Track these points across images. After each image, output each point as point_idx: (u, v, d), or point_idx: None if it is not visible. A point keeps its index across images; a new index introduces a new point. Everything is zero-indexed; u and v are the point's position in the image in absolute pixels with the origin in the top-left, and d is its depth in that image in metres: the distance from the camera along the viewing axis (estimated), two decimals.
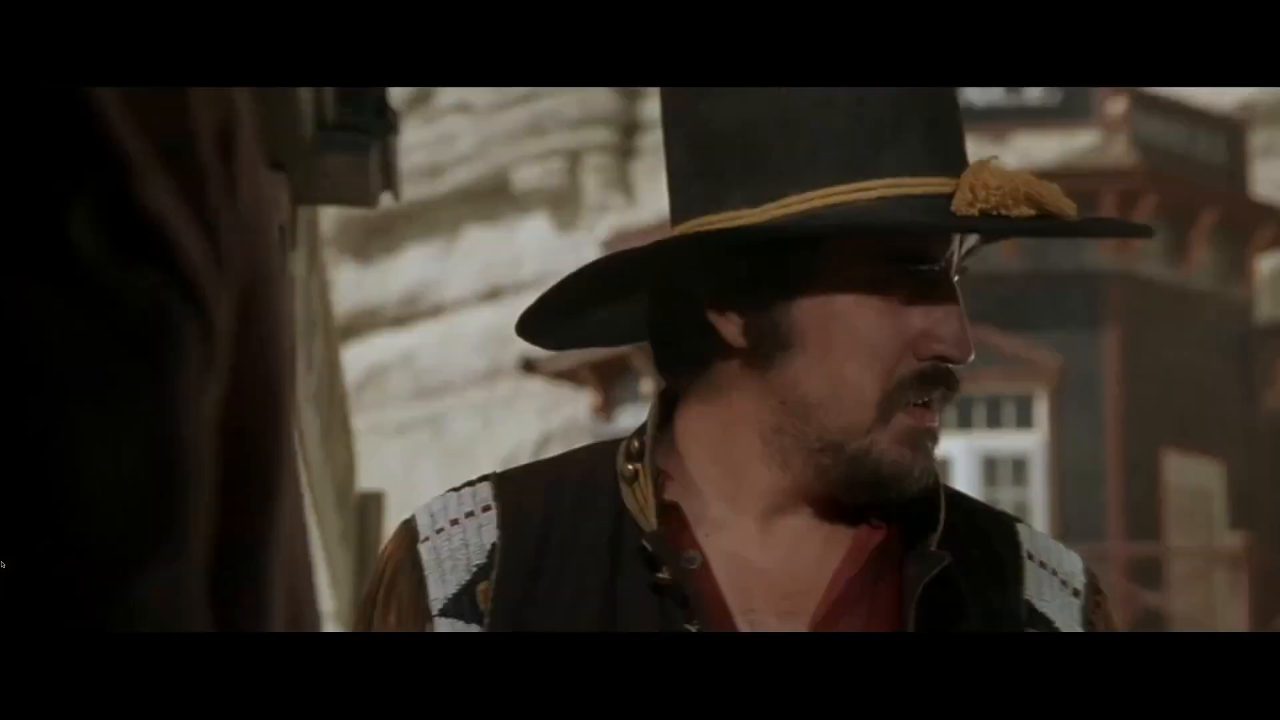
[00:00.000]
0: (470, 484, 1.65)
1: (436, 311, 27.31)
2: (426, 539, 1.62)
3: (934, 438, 1.59)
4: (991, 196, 1.54)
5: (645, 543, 1.57)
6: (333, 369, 5.82)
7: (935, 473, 1.65)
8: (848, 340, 1.56)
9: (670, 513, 1.61)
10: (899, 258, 1.57)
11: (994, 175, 1.55)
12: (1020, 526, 1.69)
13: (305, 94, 3.67)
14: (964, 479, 16.92)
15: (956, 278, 1.60)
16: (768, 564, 1.61)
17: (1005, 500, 16.77)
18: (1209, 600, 18.13)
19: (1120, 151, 18.64)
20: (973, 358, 1.58)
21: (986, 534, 1.66)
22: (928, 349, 1.56)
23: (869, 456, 1.57)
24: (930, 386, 1.57)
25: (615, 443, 1.66)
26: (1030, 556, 1.66)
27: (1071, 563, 1.68)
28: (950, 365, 1.57)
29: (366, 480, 7.54)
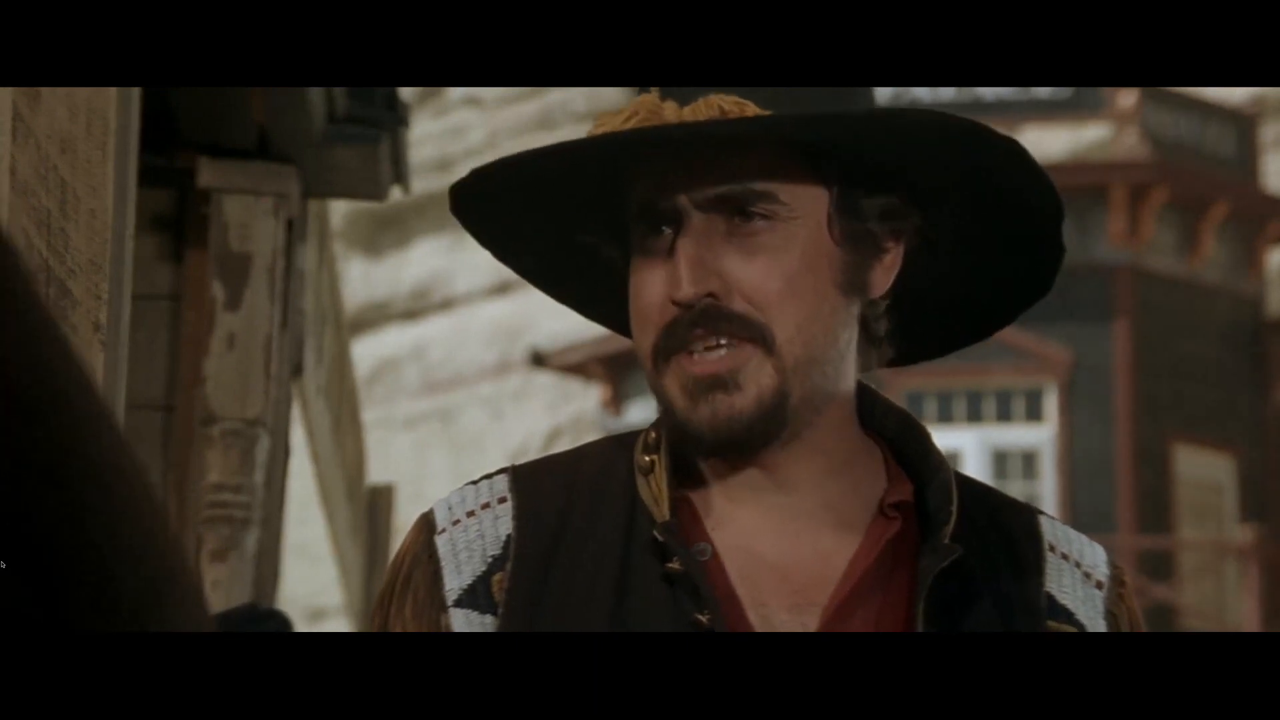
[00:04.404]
0: (488, 476, 1.66)
1: (446, 305, 27.32)
2: (443, 531, 1.63)
3: (711, 385, 1.57)
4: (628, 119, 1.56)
5: (656, 533, 1.58)
6: (342, 362, 5.83)
7: (948, 466, 1.65)
8: (631, 300, 1.61)
9: (683, 504, 1.61)
10: (641, 212, 1.59)
11: (635, 103, 1.57)
12: (1042, 519, 1.68)
13: (316, 89, 3.67)
14: (974, 472, 16.90)
15: (759, 221, 1.57)
16: (779, 556, 1.61)
17: (1015, 493, 16.62)
18: (1219, 593, 18.11)
19: (1131, 144, 18.62)
20: (691, 293, 1.55)
21: (1006, 526, 1.66)
22: (669, 293, 1.58)
23: (665, 405, 1.60)
24: (684, 331, 1.57)
25: (633, 434, 1.66)
26: (1052, 549, 1.66)
27: (1095, 555, 1.67)
28: (699, 307, 1.56)
29: (376, 473, 7.55)
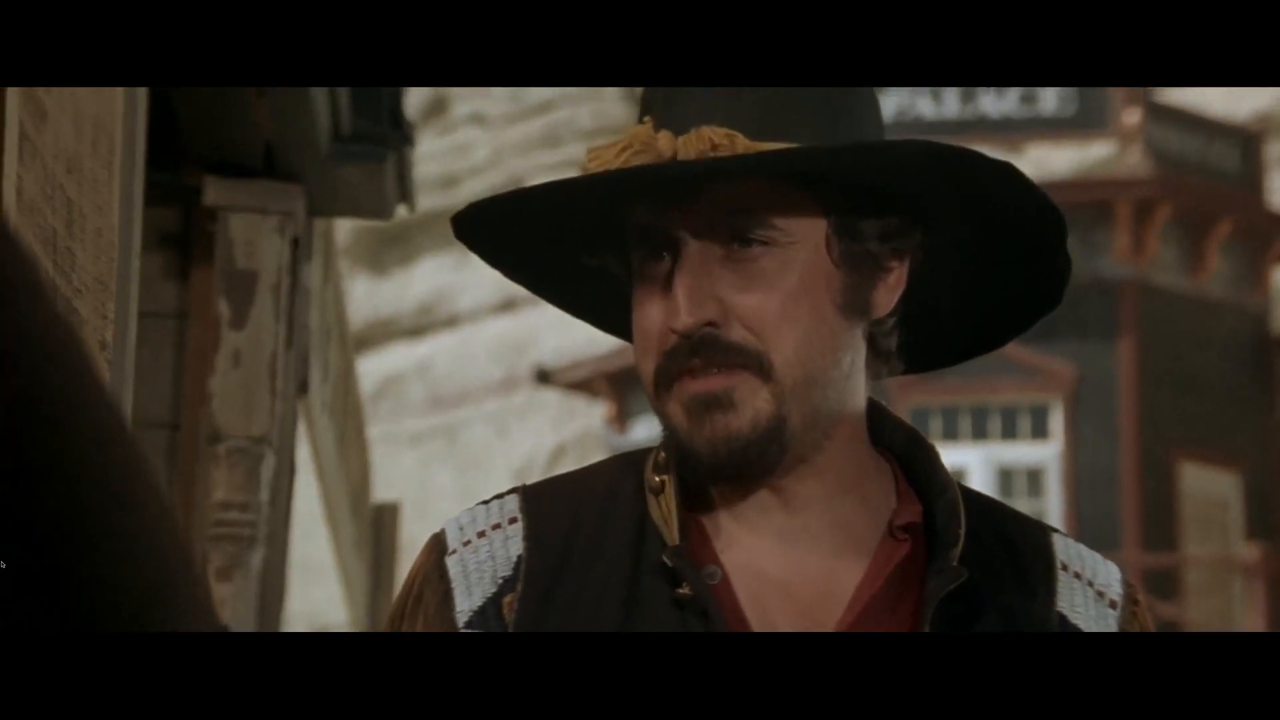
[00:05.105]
0: (499, 497, 1.66)
1: (451, 322, 27.34)
2: (454, 551, 1.63)
3: (707, 403, 1.57)
4: (612, 154, 1.57)
5: (666, 558, 1.57)
6: (348, 379, 5.83)
7: (955, 485, 1.65)
8: (634, 326, 1.62)
9: (692, 525, 1.61)
10: (638, 238, 1.59)
11: (629, 135, 1.57)
12: (1055, 536, 1.67)
13: (321, 106, 3.68)
14: (979, 489, 16.88)
15: (756, 248, 1.57)
16: (788, 578, 1.60)
17: (1020, 510, 16.74)
18: (1225, 610, 18.09)
19: (1135, 161, 18.62)
20: (690, 323, 1.56)
21: (1016, 544, 1.65)
22: (667, 322, 1.58)
23: (669, 428, 1.60)
24: (683, 360, 1.57)
25: (642, 453, 1.66)
26: (1064, 567, 1.65)
27: (1108, 573, 1.67)
28: (698, 336, 1.56)
29: (381, 489, 7.55)
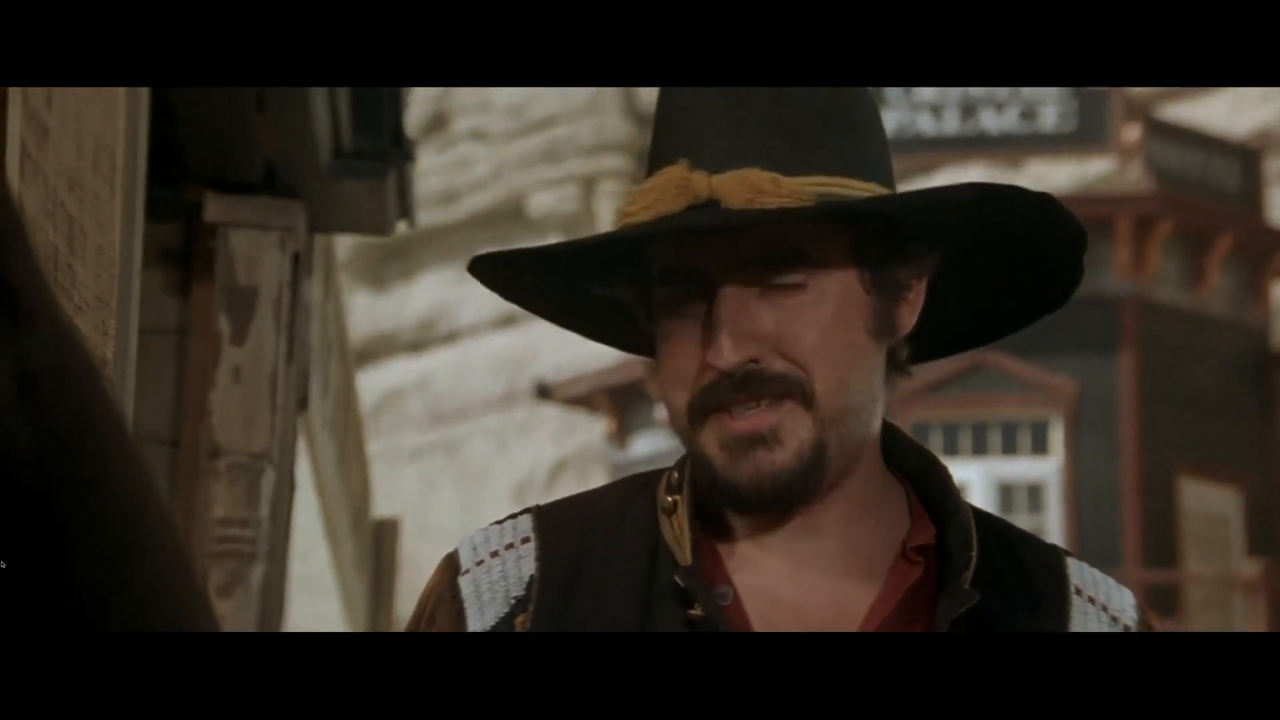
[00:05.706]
0: (512, 516, 1.66)
1: (452, 337, 27.36)
2: (467, 571, 1.63)
3: (751, 441, 1.56)
4: (654, 198, 1.56)
5: (678, 578, 1.58)
6: (348, 394, 5.84)
7: (968, 507, 1.65)
8: (661, 358, 1.61)
9: (705, 545, 1.61)
10: (667, 275, 1.59)
11: (665, 177, 1.57)
12: (1069, 560, 1.67)
13: (322, 122, 3.68)
14: (979, 505, 16.89)
15: (788, 281, 1.57)
16: (799, 600, 1.60)
17: (1020, 526, 16.74)
18: (1226, 627, 18.08)
19: (1136, 177, 18.64)
20: (734, 361, 1.55)
21: (1029, 568, 1.65)
22: (707, 359, 1.57)
23: (702, 461, 1.59)
24: (724, 396, 1.57)
25: (654, 474, 1.66)
26: (1078, 591, 1.65)
27: (1122, 599, 1.67)
28: (740, 374, 1.56)
29: (382, 505, 7.54)
